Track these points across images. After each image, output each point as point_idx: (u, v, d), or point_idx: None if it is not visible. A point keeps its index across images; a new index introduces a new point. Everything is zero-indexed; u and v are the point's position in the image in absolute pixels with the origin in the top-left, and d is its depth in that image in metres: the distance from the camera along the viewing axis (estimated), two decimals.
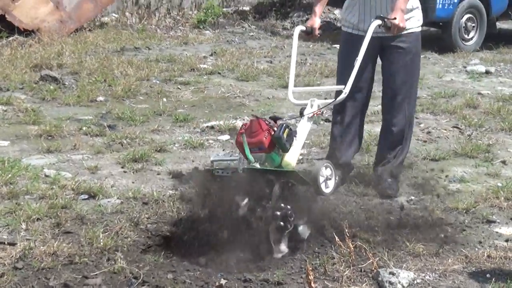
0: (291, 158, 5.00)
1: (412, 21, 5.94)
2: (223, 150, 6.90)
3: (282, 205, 4.84)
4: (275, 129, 4.91)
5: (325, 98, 6.94)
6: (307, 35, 5.92)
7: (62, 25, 11.69)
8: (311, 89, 6.22)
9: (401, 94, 6.13)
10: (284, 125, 4.93)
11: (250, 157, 4.82)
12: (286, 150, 4.94)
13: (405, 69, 6.09)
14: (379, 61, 6.15)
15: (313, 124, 7.47)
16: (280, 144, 4.89)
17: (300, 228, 4.93)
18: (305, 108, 5.29)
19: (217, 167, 4.93)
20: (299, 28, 5.82)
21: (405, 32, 5.87)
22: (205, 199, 5.00)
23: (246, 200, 4.78)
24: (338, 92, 5.71)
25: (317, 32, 5.90)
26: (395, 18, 5.56)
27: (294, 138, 5.03)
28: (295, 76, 5.75)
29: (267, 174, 4.86)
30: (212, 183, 4.92)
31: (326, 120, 7.13)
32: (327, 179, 5.04)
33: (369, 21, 5.78)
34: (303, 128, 5.19)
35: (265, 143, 4.85)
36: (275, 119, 5.09)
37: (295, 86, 5.66)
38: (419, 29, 6.09)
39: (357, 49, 5.66)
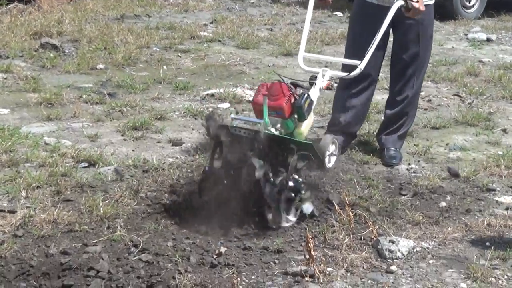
0: (305, 128, 5.02)
1: None
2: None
3: (296, 176, 4.87)
4: (297, 96, 4.90)
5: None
6: (320, 1, 5.86)
7: None
8: (322, 57, 6.17)
9: (411, 67, 6.11)
10: (306, 94, 4.91)
11: (267, 119, 4.82)
12: (303, 119, 4.94)
13: (417, 41, 6.05)
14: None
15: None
16: (299, 113, 4.88)
17: (305, 205, 4.94)
18: (315, 76, 5.24)
19: (237, 126, 4.88)
20: None
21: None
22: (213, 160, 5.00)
23: (260, 165, 4.75)
24: (347, 65, 5.69)
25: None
26: (417, 1, 5.50)
27: (312, 111, 5.03)
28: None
29: (286, 142, 4.87)
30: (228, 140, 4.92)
31: (328, 88, 7.10)
32: (332, 154, 5.08)
33: None
34: (315, 96, 5.15)
35: (285, 109, 4.85)
36: (295, 85, 5.08)
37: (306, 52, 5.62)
38: (432, 1, 6.04)
39: (372, 20, 5.64)
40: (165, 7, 12.24)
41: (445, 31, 11.24)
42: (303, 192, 4.91)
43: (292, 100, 4.87)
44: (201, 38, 10.19)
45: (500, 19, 12.28)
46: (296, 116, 4.91)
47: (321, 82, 5.18)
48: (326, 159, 5.02)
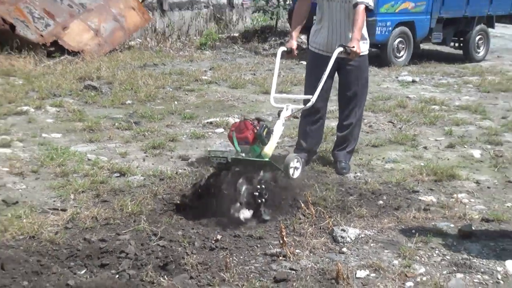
0: (268, 150, 5.06)
1: (363, 47, 5.92)
2: (220, 143, 6.91)
3: (259, 186, 4.90)
4: (257, 128, 4.97)
5: (293, 101, 6.94)
6: (287, 54, 5.88)
7: (100, 47, 11.66)
8: (287, 96, 6.22)
9: (353, 101, 6.14)
10: (264, 125, 5.03)
11: (238, 148, 4.94)
12: (264, 144, 5.03)
13: (357, 82, 6.08)
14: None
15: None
16: (260, 139, 4.98)
17: (264, 212, 4.96)
18: (282, 110, 5.30)
19: (212, 155, 4.96)
20: (282, 49, 5.79)
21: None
22: (206, 178, 5.05)
23: (237, 180, 4.83)
24: (306, 100, 5.73)
25: (295, 52, 5.88)
26: (353, 47, 5.54)
27: (271, 134, 5.08)
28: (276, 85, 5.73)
29: (249, 163, 4.94)
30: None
31: (295, 117, 7.12)
32: (296, 168, 5.12)
33: (331, 45, 5.83)
34: (279, 126, 5.24)
35: (249, 139, 4.96)
36: (258, 120, 5.16)
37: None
38: (367, 52, 6.07)
39: (321, 66, 5.67)
40: (176, 58, 12.25)
41: (381, 75, 11.29)
42: (266, 197, 4.92)
43: (255, 131, 4.96)
44: (202, 81, 10.20)
45: (422, 66, 12.34)
46: (259, 141, 5.00)
47: (285, 114, 5.23)
48: (291, 172, 5.08)
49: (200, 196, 4.97)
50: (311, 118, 6.15)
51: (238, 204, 4.79)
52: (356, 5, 5.64)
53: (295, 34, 5.92)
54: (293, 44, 5.81)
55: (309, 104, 5.38)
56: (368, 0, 5.67)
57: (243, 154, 4.93)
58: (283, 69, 11.26)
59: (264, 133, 4.97)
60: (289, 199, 5.14)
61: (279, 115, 5.30)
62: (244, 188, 4.83)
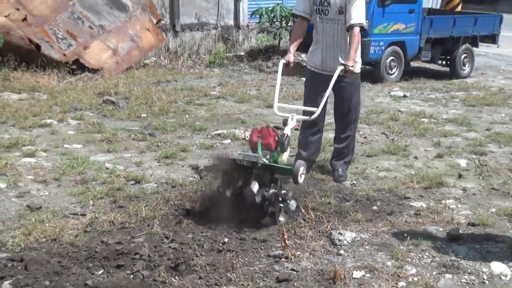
0: (285, 156, 5.07)
1: (356, 66, 5.88)
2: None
3: (284, 191, 4.96)
4: (279, 136, 4.97)
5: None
6: (285, 66, 5.83)
7: (117, 65, 11.65)
8: (289, 106, 6.16)
9: (348, 115, 6.12)
10: (286, 134, 5.02)
11: (261, 152, 4.89)
12: (284, 151, 5.03)
13: (351, 98, 6.06)
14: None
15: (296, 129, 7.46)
16: (282, 147, 4.98)
17: (291, 203, 4.94)
18: (287, 119, 5.25)
19: (241, 158, 4.87)
20: (282, 61, 5.76)
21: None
22: (221, 182, 5.01)
23: (256, 184, 4.83)
24: (306, 112, 5.68)
25: (291, 65, 5.83)
26: (352, 66, 5.53)
27: (289, 143, 5.06)
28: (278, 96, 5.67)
29: (274, 168, 4.93)
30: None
31: (296, 129, 7.07)
32: (302, 173, 5.06)
33: (326, 64, 5.86)
34: (288, 132, 5.18)
35: (272, 145, 4.94)
36: (277, 127, 5.15)
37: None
38: (359, 71, 6.03)
39: (319, 83, 5.67)
40: (187, 75, 12.23)
41: (375, 90, 11.25)
42: (289, 201, 4.94)
43: (276, 138, 4.93)
44: (211, 96, 10.17)
45: (412, 82, 12.30)
46: (279, 148, 4.96)
47: (291, 123, 5.20)
48: (299, 177, 5.03)
49: (210, 202, 4.94)
50: (310, 130, 6.12)
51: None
52: (350, 27, 5.62)
53: (292, 49, 5.89)
54: (290, 57, 5.77)
55: (314, 116, 5.33)
56: (362, 20, 5.65)
57: (264, 159, 4.88)
58: (285, 85, 11.24)
59: (286, 141, 4.97)
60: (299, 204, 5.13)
61: (284, 124, 5.24)
62: (271, 192, 4.84)
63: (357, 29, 5.61)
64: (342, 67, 5.52)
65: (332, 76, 5.57)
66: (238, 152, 5.01)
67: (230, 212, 4.78)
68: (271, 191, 4.85)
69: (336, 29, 5.81)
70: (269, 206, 4.82)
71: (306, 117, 5.51)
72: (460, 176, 6.33)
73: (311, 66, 6.11)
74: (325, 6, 5.79)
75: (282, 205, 4.90)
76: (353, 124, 6.20)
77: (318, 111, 5.33)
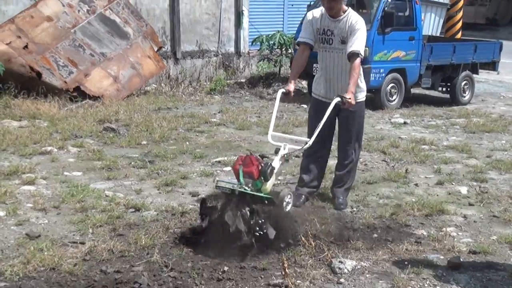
0: (269, 186, 5.01)
1: (360, 95, 5.94)
2: (226, 176, 6.89)
3: (259, 220, 4.87)
4: (262, 165, 4.95)
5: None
6: (285, 95, 5.86)
7: (118, 92, 11.70)
8: (285, 136, 6.14)
9: (351, 143, 6.14)
10: (269, 163, 5.00)
11: (242, 180, 4.89)
12: (267, 180, 4.98)
13: (354, 126, 6.09)
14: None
15: (286, 160, 7.48)
16: (264, 176, 4.94)
17: (269, 231, 4.89)
18: (279, 148, 5.26)
19: (220, 185, 4.92)
20: (281, 91, 5.80)
21: (356, 102, 5.87)
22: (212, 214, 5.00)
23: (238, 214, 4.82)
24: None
25: (292, 94, 5.87)
26: (349, 98, 5.53)
27: (274, 172, 5.04)
28: (275, 125, 5.69)
29: (252, 197, 4.89)
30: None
31: (297, 156, 7.09)
32: (288, 203, 5.06)
33: (329, 92, 5.90)
34: (277, 164, 5.18)
35: (254, 174, 4.91)
36: (262, 156, 5.16)
37: (274, 131, 5.63)
38: (363, 99, 6.07)
39: (322, 111, 5.67)
40: (188, 102, 12.27)
41: (376, 117, 11.28)
42: (265, 230, 4.85)
43: (259, 167, 4.93)
44: (212, 123, 10.20)
45: (412, 109, 12.33)
46: (262, 177, 4.95)
47: (283, 152, 5.21)
48: (284, 205, 5.02)
49: (209, 231, 4.93)
50: (312, 156, 6.15)
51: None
52: (350, 55, 5.65)
53: (293, 78, 5.93)
54: (291, 87, 5.79)
55: (306, 146, 5.35)
56: (360, 49, 5.67)
57: (246, 188, 4.88)
58: (286, 111, 11.28)
59: (269, 171, 4.95)
60: (291, 232, 5.10)
61: (276, 152, 5.26)
62: (243, 222, 4.79)
63: (358, 61, 5.63)
64: (338, 99, 5.54)
65: (336, 105, 5.62)
66: (217, 179, 5.05)
67: (228, 241, 4.78)
68: (246, 221, 4.81)
69: (340, 58, 5.85)
70: (245, 236, 4.78)
71: (298, 147, 5.48)
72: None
73: (315, 94, 6.16)
74: (329, 35, 5.84)
75: (258, 234, 4.84)
76: (356, 152, 6.22)
77: (310, 141, 5.33)
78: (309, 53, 6.02)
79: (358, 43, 5.67)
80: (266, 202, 4.89)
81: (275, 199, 4.95)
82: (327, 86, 5.99)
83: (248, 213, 4.84)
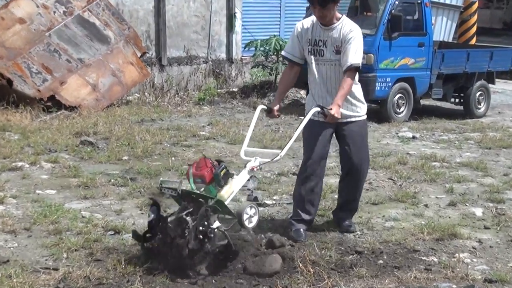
0: (225, 193, 4.99)
1: (361, 111, 5.91)
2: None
3: (206, 223, 4.79)
4: (216, 168, 4.96)
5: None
6: (267, 113, 5.89)
7: (97, 102, 11.72)
8: (258, 150, 6.02)
9: (357, 171, 6.02)
10: (223, 165, 5.01)
11: (193, 185, 4.96)
12: (220, 185, 4.98)
13: (358, 149, 5.95)
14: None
15: (284, 177, 7.50)
16: (216, 179, 4.95)
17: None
18: (249, 161, 5.28)
19: (163, 186, 5.00)
20: (261, 107, 5.81)
21: (357, 119, 5.88)
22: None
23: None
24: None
25: (275, 113, 5.87)
26: (331, 109, 5.49)
27: (231, 178, 5.04)
28: (248, 140, 5.64)
29: (199, 197, 4.92)
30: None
31: (294, 174, 7.08)
32: (251, 217, 5.00)
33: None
34: (243, 175, 5.19)
35: (206, 177, 4.96)
36: (219, 161, 5.16)
37: (251, 147, 5.66)
38: (365, 117, 6.00)
39: (317, 130, 5.74)
40: (174, 113, 12.29)
41: (381, 131, 11.32)
42: (212, 235, 4.80)
43: (213, 170, 4.96)
44: (200, 136, 10.22)
45: (422, 122, 12.39)
46: (215, 181, 4.96)
47: (251, 164, 5.21)
48: (247, 221, 4.96)
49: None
50: (308, 183, 5.93)
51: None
52: (347, 69, 5.60)
53: (279, 96, 5.98)
54: (276, 105, 5.84)
55: (277, 158, 5.29)
56: (359, 61, 5.65)
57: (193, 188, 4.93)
58: (282, 124, 11.32)
59: (222, 173, 4.94)
60: (288, 258, 5.10)
61: (245, 166, 5.27)
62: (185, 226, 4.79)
63: (354, 75, 5.63)
64: (317, 108, 5.51)
65: (331, 124, 5.67)
66: (161, 179, 5.15)
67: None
68: (188, 219, 4.78)
69: (333, 70, 5.77)
70: (189, 241, 4.74)
71: (268, 160, 5.36)
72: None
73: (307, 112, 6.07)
74: (320, 46, 5.78)
75: (205, 240, 4.79)
76: (363, 178, 6.16)
77: (282, 153, 5.29)
78: (299, 70, 5.99)
79: (356, 55, 5.61)
80: (216, 209, 4.83)
81: (234, 211, 4.93)
82: (320, 103, 5.76)
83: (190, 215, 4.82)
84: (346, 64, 5.60)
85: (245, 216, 4.94)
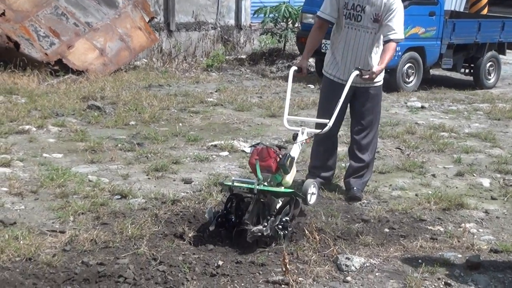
0: (289, 178, 5.11)
1: (379, 77, 5.94)
2: (224, 166, 6.93)
3: (284, 218, 4.92)
4: (280, 156, 5.00)
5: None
6: (297, 73, 5.88)
7: (105, 67, 11.69)
8: (300, 118, 6.12)
9: (368, 128, 6.13)
10: (288, 154, 5.05)
11: (260, 176, 4.94)
12: (287, 173, 5.05)
13: (372, 111, 6.10)
14: None
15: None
16: (284, 169, 5.01)
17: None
18: (297, 134, 5.32)
19: (237, 185, 4.93)
20: (293, 68, 5.82)
21: (374, 85, 5.96)
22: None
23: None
24: (319, 124, 5.78)
25: (305, 72, 5.89)
26: (369, 70, 5.58)
27: (294, 163, 5.08)
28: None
29: (274, 194, 4.98)
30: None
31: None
32: (312, 194, 5.19)
33: (349, 73, 5.72)
34: (296, 150, 5.26)
35: (272, 167, 4.98)
36: (280, 147, 5.23)
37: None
38: (381, 82, 6.09)
39: (336, 93, 5.69)
40: (182, 79, 12.26)
41: (390, 100, 11.27)
42: (290, 229, 4.94)
43: (278, 159, 4.96)
44: (208, 103, 10.20)
45: (431, 92, 12.34)
46: (281, 170, 5.00)
47: (302, 138, 5.24)
48: (308, 197, 5.14)
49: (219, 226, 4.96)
50: (325, 142, 6.13)
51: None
52: (389, 41, 5.69)
53: (307, 54, 6.00)
54: (304, 63, 5.87)
55: (326, 128, 5.38)
56: (402, 36, 5.77)
57: (265, 183, 4.94)
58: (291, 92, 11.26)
59: (288, 162, 5.00)
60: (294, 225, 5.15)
61: (294, 138, 5.32)
62: (267, 220, 4.84)
63: (394, 44, 5.71)
64: (357, 72, 5.56)
65: (352, 86, 5.67)
66: (233, 178, 5.10)
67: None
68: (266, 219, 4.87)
69: (368, 38, 5.83)
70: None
71: (318, 130, 5.54)
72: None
73: (330, 74, 6.11)
74: (358, 11, 5.80)
75: (283, 234, 4.91)
76: (373, 140, 6.20)
77: (330, 122, 5.36)
78: (326, 30, 6.04)
79: (399, 28, 5.72)
80: (288, 196, 5.00)
81: (298, 192, 5.06)
82: (345, 67, 5.93)
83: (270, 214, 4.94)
84: (388, 36, 5.70)
85: (309, 195, 5.14)
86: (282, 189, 4.99)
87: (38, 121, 8.22)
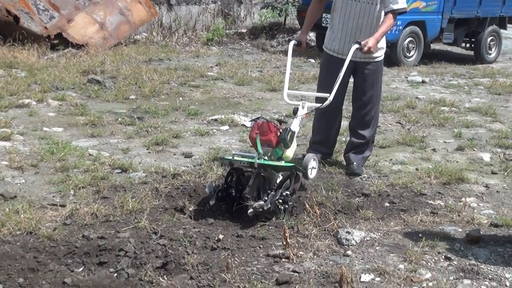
0: (290, 152, 5.11)
1: (380, 52, 5.91)
2: (224, 140, 6.91)
3: (285, 193, 4.92)
4: (281, 131, 5.00)
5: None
6: (297, 47, 5.82)
7: (105, 41, 11.64)
8: (300, 93, 6.09)
9: (369, 104, 6.08)
10: (288, 129, 5.05)
11: (261, 150, 4.93)
12: (287, 147, 5.06)
13: (372, 87, 6.04)
14: None
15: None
16: (284, 143, 5.01)
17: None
18: (297, 108, 5.30)
19: (237, 159, 4.91)
20: (293, 42, 5.77)
21: (374, 60, 5.92)
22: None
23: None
24: (319, 98, 5.73)
25: (304, 45, 5.85)
26: (367, 43, 5.53)
27: (294, 137, 5.07)
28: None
29: (274, 168, 4.99)
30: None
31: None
32: (313, 168, 5.19)
33: (348, 47, 5.66)
34: (296, 125, 5.25)
35: (273, 142, 4.97)
36: (280, 121, 5.25)
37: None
38: (382, 57, 6.05)
39: (336, 68, 5.64)
40: (182, 53, 12.22)
41: (391, 74, 11.23)
42: (290, 203, 4.93)
43: (278, 134, 4.96)
44: (208, 77, 10.17)
45: (432, 66, 12.30)
46: (282, 145, 4.99)
47: (302, 112, 5.21)
48: (309, 172, 5.15)
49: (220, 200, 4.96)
50: (328, 115, 6.10)
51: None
52: (391, 12, 5.67)
53: (306, 29, 5.97)
54: (303, 37, 5.82)
55: (326, 103, 5.35)
56: (405, 5, 5.70)
57: (266, 157, 4.94)
58: (291, 66, 11.21)
59: (288, 137, 4.99)
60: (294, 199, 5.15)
61: (294, 113, 5.29)
62: (267, 195, 4.84)
63: (394, 17, 5.69)
64: (357, 45, 5.52)
65: (353, 61, 5.63)
66: (234, 152, 5.08)
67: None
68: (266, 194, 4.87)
69: (368, 10, 5.76)
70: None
71: (318, 105, 5.52)
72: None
73: (328, 49, 6.06)
74: None
75: (283, 208, 4.90)
76: (374, 115, 6.17)
77: (330, 97, 5.33)
78: (326, 3, 6.00)
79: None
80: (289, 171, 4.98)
81: (299, 166, 5.04)
82: (345, 40, 5.86)
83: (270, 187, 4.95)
84: (390, 7, 5.66)
85: (309, 169, 5.15)
86: (282, 163, 4.97)
87: (38, 95, 8.19)
